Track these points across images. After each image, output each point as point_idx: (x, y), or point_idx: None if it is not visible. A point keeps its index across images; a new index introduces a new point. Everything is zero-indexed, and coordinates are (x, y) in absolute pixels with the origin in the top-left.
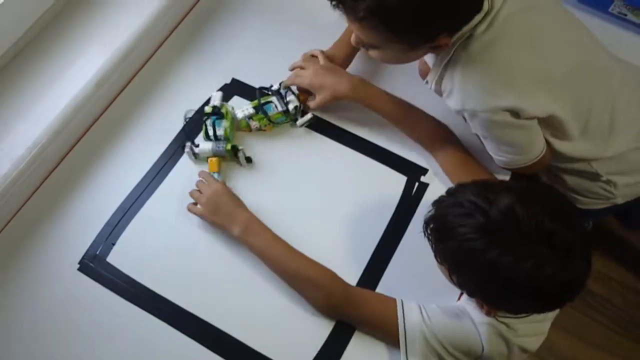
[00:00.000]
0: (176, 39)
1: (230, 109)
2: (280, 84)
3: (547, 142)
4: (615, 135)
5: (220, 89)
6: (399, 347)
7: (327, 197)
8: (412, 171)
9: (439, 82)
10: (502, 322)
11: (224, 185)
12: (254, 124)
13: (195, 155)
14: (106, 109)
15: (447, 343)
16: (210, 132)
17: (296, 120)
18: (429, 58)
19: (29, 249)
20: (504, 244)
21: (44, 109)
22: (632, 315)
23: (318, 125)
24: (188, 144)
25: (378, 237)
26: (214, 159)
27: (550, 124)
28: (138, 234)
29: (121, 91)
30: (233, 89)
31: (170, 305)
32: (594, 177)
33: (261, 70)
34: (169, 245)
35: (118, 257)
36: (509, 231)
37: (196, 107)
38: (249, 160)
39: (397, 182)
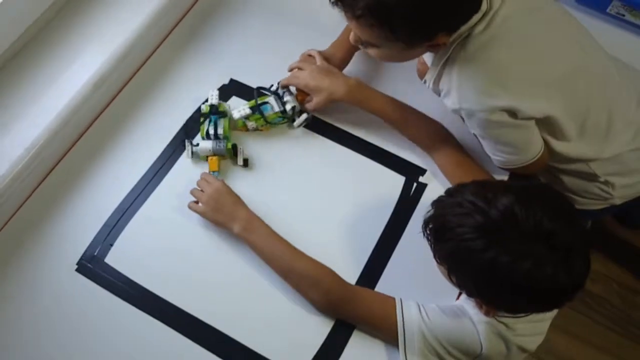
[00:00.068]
0: (175, 39)
1: (227, 108)
2: (278, 84)
3: (544, 141)
4: (612, 136)
5: (219, 89)
6: (397, 346)
7: (325, 197)
8: (411, 171)
9: (437, 81)
10: (501, 322)
11: (225, 183)
12: (250, 124)
13: (193, 154)
14: (104, 109)
15: (445, 342)
16: (211, 131)
17: (294, 120)
18: (427, 57)
19: (27, 249)
20: (503, 244)
21: (42, 109)
22: (631, 315)
23: (316, 126)
24: (189, 140)
25: (376, 237)
26: (214, 158)
27: (547, 124)
28: (136, 234)
29: (119, 91)
30: (231, 89)
31: (168, 305)
32: (592, 177)
33: (260, 70)
34: (167, 246)
35: (116, 258)
36: (508, 231)
37: (196, 107)
38: (245, 163)
39: (395, 182)
